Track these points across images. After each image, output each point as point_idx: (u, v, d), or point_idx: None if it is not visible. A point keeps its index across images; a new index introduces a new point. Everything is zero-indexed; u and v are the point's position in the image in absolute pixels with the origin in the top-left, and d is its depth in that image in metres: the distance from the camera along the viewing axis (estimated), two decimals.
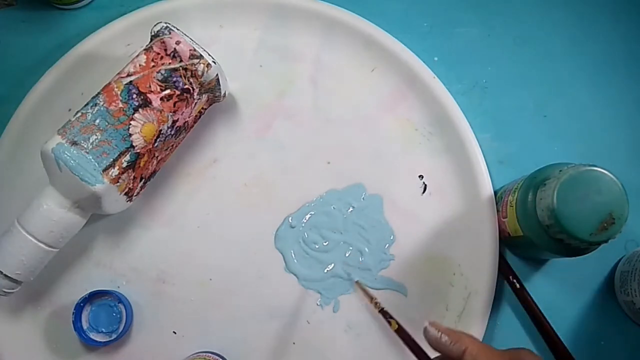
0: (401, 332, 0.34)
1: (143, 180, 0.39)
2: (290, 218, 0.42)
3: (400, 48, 0.43)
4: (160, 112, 0.36)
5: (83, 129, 0.35)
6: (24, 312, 0.40)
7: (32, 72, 0.42)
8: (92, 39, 0.42)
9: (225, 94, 0.41)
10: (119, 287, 0.40)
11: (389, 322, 0.36)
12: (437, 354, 0.30)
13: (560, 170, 0.34)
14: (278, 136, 0.43)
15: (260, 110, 0.43)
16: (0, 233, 0.36)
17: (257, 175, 0.42)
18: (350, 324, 0.40)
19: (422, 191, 0.42)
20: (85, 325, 0.39)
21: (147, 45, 0.37)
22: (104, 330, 0.39)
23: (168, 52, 0.37)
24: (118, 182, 0.35)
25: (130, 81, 0.36)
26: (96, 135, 0.35)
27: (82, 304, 0.38)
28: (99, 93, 0.36)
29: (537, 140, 0.44)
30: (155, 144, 0.37)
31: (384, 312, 0.37)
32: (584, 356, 0.40)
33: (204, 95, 0.39)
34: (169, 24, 0.37)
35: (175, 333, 0.40)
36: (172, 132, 0.38)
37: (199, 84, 0.38)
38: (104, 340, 0.38)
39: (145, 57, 0.37)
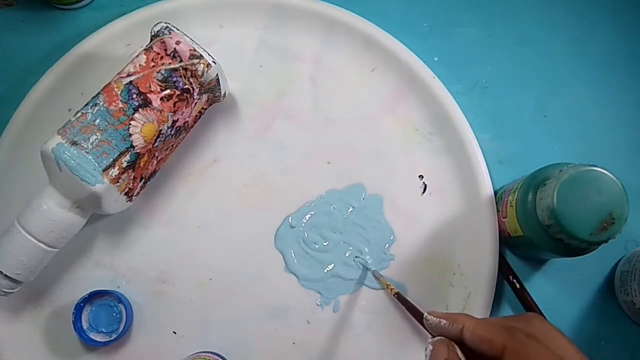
0: (416, 315, 0.34)
1: (143, 180, 0.39)
2: (290, 218, 0.42)
3: (400, 48, 0.43)
4: (160, 112, 0.36)
5: (83, 129, 0.35)
6: (24, 312, 0.40)
7: (32, 72, 0.42)
8: (92, 39, 0.42)
9: (225, 94, 0.41)
10: (119, 287, 0.40)
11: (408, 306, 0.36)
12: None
13: (560, 170, 0.34)
14: (278, 136, 0.43)
15: (260, 110, 0.43)
16: (0, 233, 0.36)
17: (257, 175, 0.42)
18: (350, 324, 0.40)
19: (422, 191, 0.42)
20: (85, 325, 0.39)
21: (147, 45, 0.37)
22: (104, 330, 0.39)
23: (168, 52, 0.37)
24: (118, 182, 0.35)
25: (130, 81, 0.36)
26: (96, 135, 0.35)
27: (82, 304, 0.38)
28: (99, 93, 0.36)
29: (537, 140, 0.44)
30: (155, 144, 0.37)
31: (399, 296, 0.37)
32: None
33: (204, 95, 0.39)
34: (169, 24, 0.37)
35: (175, 333, 0.40)
36: (172, 132, 0.38)
37: (199, 84, 0.38)
38: (104, 340, 0.38)
39: (145, 57, 0.37)
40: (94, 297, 0.39)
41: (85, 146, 0.34)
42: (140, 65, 0.36)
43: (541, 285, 0.42)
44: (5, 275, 0.35)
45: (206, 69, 0.37)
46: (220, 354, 0.39)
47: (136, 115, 0.36)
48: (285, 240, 0.41)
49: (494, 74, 0.45)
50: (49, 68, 0.42)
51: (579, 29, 0.46)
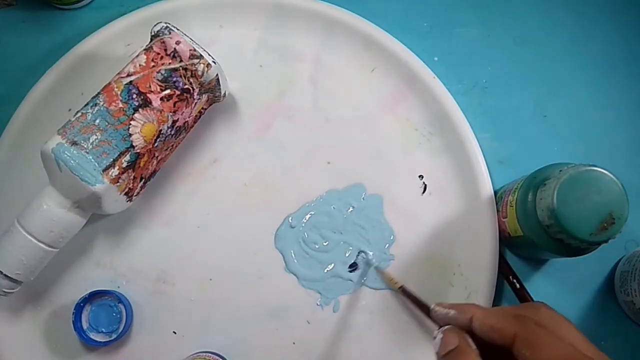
0: (422, 307, 0.34)
1: (143, 180, 0.39)
2: (290, 218, 0.42)
3: (400, 48, 0.43)
4: (160, 112, 0.36)
5: (83, 129, 0.35)
6: (24, 312, 0.40)
7: (32, 72, 0.42)
8: (92, 39, 0.42)
9: (225, 94, 0.41)
10: (119, 287, 0.40)
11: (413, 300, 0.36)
12: None
13: (560, 170, 0.34)
14: (278, 136, 0.43)
15: (260, 110, 0.43)
16: (0, 233, 0.36)
17: (257, 175, 0.42)
18: (350, 324, 0.40)
19: (422, 191, 0.42)
20: (85, 325, 0.39)
21: (147, 45, 0.37)
22: (104, 330, 0.39)
23: (168, 52, 0.37)
24: (118, 182, 0.35)
25: (130, 81, 0.36)
26: (96, 135, 0.35)
27: (82, 304, 0.38)
28: (99, 93, 0.36)
29: (537, 140, 0.44)
30: (155, 144, 0.37)
31: (404, 290, 0.37)
32: None
33: (204, 95, 0.39)
34: (169, 24, 0.37)
35: (175, 333, 0.40)
36: (172, 132, 0.38)
37: (199, 84, 0.38)
38: (104, 340, 0.38)
39: (145, 57, 0.37)
40: (94, 297, 0.39)
41: (85, 146, 0.34)
42: (140, 65, 0.36)
43: (541, 285, 0.42)
44: (5, 275, 0.35)
45: (206, 69, 0.37)
46: (220, 354, 0.39)
47: (136, 115, 0.36)
48: (285, 240, 0.41)
49: (494, 74, 0.45)
50: (49, 68, 0.42)
51: (579, 29, 0.46)
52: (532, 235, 0.36)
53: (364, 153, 0.43)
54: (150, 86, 0.36)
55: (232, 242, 0.41)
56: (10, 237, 0.35)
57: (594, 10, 0.46)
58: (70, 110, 0.42)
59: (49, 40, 0.44)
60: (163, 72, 0.36)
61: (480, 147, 0.42)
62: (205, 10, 0.43)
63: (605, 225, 0.33)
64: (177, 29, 0.37)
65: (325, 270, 0.41)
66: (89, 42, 0.42)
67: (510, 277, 0.41)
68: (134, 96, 0.36)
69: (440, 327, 0.29)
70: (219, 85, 0.39)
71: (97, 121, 0.35)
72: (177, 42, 0.37)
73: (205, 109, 0.41)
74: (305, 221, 0.42)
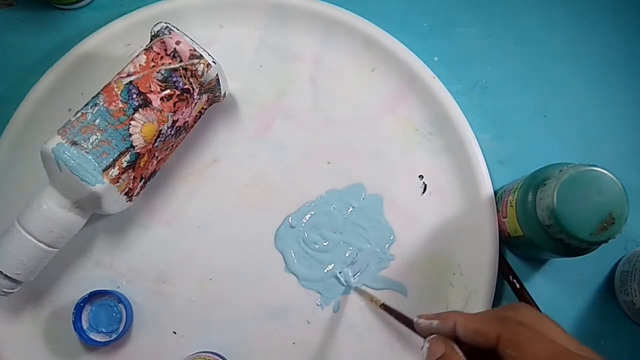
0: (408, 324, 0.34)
1: (143, 180, 0.39)
2: (290, 218, 0.42)
3: (400, 48, 0.43)
4: (160, 112, 0.36)
5: (83, 129, 0.35)
6: (24, 312, 0.40)
7: (32, 72, 0.42)
8: (92, 39, 0.42)
9: (225, 94, 0.41)
10: (119, 287, 0.40)
11: (395, 315, 0.36)
12: None
13: (560, 170, 0.34)
14: (278, 136, 0.43)
15: (260, 110, 0.43)
16: (0, 233, 0.36)
17: (257, 175, 0.42)
18: (350, 324, 0.40)
19: (422, 191, 0.42)
20: (85, 325, 0.39)
21: (147, 45, 0.37)
22: (104, 330, 0.39)
23: (168, 52, 0.37)
24: (118, 182, 0.35)
25: (130, 81, 0.36)
26: (96, 135, 0.35)
27: (82, 304, 0.38)
28: (99, 93, 0.36)
29: (537, 140, 0.44)
30: (155, 144, 0.37)
31: (385, 307, 0.37)
32: None
33: (204, 95, 0.39)
34: (169, 24, 0.37)
35: (175, 333, 0.40)
36: (172, 132, 0.38)
37: (199, 84, 0.38)
38: (104, 340, 0.38)
39: (145, 57, 0.37)
40: (94, 297, 0.39)
41: (85, 146, 0.34)
42: (140, 65, 0.36)
43: (541, 285, 0.42)
44: (5, 275, 0.35)
45: (206, 69, 0.37)
46: (220, 354, 0.39)
47: (136, 115, 0.36)
48: (285, 240, 0.41)
49: (494, 74, 0.45)
50: (49, 68, 0.42)
51: (579, 29, 0.46)
52: (532, 235, 0.36)
53: (364, 153, 0.43)
54: (150, 86, 0.36)
55: (232, 242, 0.41)
56: (10, 237, 0.35)
57: (594, 10, 0.46)
58: (70, 110, 0.42)
59: (49, 40, 0.44)
60: (163, 72, 0.36)
61: (480, 147, 0.42)
62: (205, 10, 0.43)
63: (605, 225, 0.33)
64: (177, 29, 0.37)
65: (325, 270, 0.41)
66: (89, 42, 0.42)
67: (510, 277, 0.41)
68: (134, 96, 0.36)
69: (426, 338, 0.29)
70: (219, 85, 0.39)
71: (97, 121, 0.35)
72: (177, 42, 0.37)
73: (205, 109, 0.41)
74: (305, 221, 0.42)
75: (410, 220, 0.42)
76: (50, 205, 0.35)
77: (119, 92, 0.36)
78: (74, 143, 0.34)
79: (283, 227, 0.41)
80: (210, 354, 0.38)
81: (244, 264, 0.41)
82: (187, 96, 0.37)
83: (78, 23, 0.45)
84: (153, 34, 0.37)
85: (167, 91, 0.36)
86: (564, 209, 0.33)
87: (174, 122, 0.38)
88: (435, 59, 0.45)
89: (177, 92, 0.37)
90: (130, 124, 0.35)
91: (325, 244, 0.41)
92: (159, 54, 0.37)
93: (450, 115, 0.42)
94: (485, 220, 0.41)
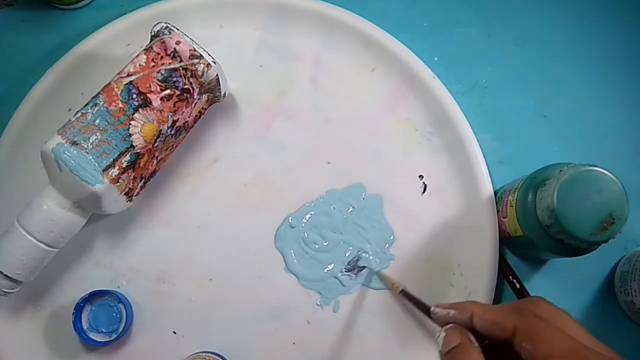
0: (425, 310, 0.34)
1: (143, 180, 0.39)
2: (290, 218, 0.42)
3: (400, 48, 0.43)
4: (160, 112, 0.36)
5: (83, 129, 0.35)
6: (24, 312, 0.40)
7: (32, 72, 0.42)
8: (92, 39, 0.42)
9: (225, 94, 0.41)
10: (119, 287, 0.40)
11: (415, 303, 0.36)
12: None
13: (560, 170, 0.34)
14: (278, 136, 0.43)
15: (260, 110, 0.43)
16: (0, 233, 0.36)
17: (257, 175, 0.42)
18: (350, 324, 0.40)
19: (422, 191, 0.42)
20: (85, 325, 0.39)
21: (147, 45, 0.37)
22: (104, 330, 0.39)
23: (168, 52, 0.37)
24: (118, 182, 0.35)
25: (130, 81, 0.36)
26: (96, 135, 0.35)
27: (82, 304, 0.38)
28: (99, 93, 0.36)
29: (537, 140, 0.44)
30: (155, 144, 0.37)
31: (405, 293, 0.37)
32: None
33: (204, 95, 0.39)
34: (169, 24, 0.37)
35: (175, 333, 0.40)
36: (172, 132, 0.38)
37: (199, 84, 0.38)
38: (104, 340, 0.38)
39: (145, 57, 0.37)
40: (94, 297, 0.39)
41: (85, 146, 0.34)
42: (140, 65, 0.36)
43: (541, 285, 0.42)
44: (5, 275, 0.35)
45: (206, 69, 0.37)
46: (220, 354, 0.39)
47: (136, 115, 0.36)
48: (285, 240, 0.41)
49: (494, 74, 0.45)
50: (49, 68, 0.42)
51: (579, 29, 0.46)
52: (532, 235, 0.36)
53: (364, 153, 0.43)
54: (150, 86, 0.36)
55: (232, 242, 0.41)
56: (10, 237, 0.35)
57: (594, 10, 0.46)
58: (70, 110, 0.42)
59: (49, 40, 0.44)
60: (163, 72, 0.36)
61: (480, 147, 0.42)
62: (205, 10, 0.43)
63: (605, 225, 0.33)
64: (177, 29, 0.37)
65: (325, 270, 0.41)
66: (89, 42, 0.42)
67: (510, 277, 0.41)
68: (134, 96, 0.36)
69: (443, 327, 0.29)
70: (219, 85, 0.39)
71: (97, 121, 0.35)
72: (177, 42, 0.37)
73: (205, 109, 0.41)
74: (305, 221, 0.42)
75: (410, 220, 0.42)
76: (50, 205, 0.35)
77: (119, 92, 0.36)
78: (74, 143, 0.34)
79: (283, 227, 0.41)
80: (210, 354, 0.38)
81: (244, 264, 0.41)
82: (187, 96, 0.37)
83: (78, 23, 0.45)
84: (153, 34, 0.37)
85: (167, 91, 0.36)
86: (564, 209, 0.33)
87: (174, 122, 0.38)
88: (435, 59, 0.45)
89: (177, 92, 0.37)
90: (130, 124, 0.35)
91: (325, 244, 0.41)
92: (159, 54, 0.37)
93: (450, 115, 0.42)
94: (485, 220, 0.41)
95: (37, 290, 0.40)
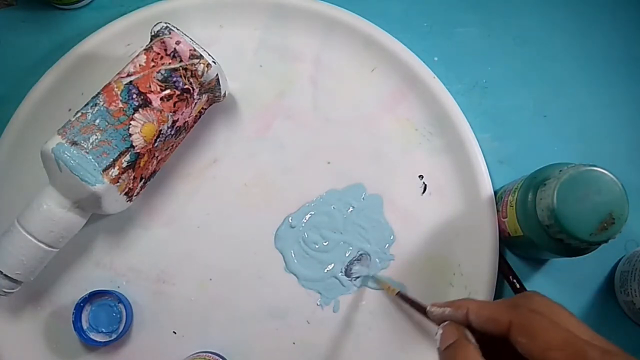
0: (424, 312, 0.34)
1: (143, 180, 0.39)
2: (290, 218, 0.42)
3: (400, 48, 0.43)
4: (160, 112, 0.36)
5: (83, 129, 0.35)
6: (24, 312, 0.40)
7: (32, 72, 0.42)
8: (92, 39, 0.42)
9: (225, 94, 0.41)
10: (119, 287, 0.40)
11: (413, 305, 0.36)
12: None
13: (560, 170, 0.34)
14: (278, 136, 0.43)
15: (260, 110, 0.43)
16: (0, 233, 0.36)
17: (257, 175, 0.42)
18: (350, 324, 0.40)
19: (422, 191, 0.42)
20: (85, 325, 0.39)
21: (147, 45, 0.37)
22: (104, 330, 0.39)
23: (168, 52, 0.37)
24: (118, 182, 0.35)
25: (130, 81, 0.36)
26: (96, 135, 0.35)
27: (82, 304, 0.38)
28: (99, 93, 0.36)
29: (537, 140, 0.44)
30: (155, 144, 0.37)
31: (401, 295, 0.37)
32: None
33: (204, 95, 0.39)
34: (169, 24, 0.37)
35: (175, 333, 0.40)
36: (172, 132, 0.38)
37: (199, 84, 0.38)
38: (104, 340, 0.38)
39: (145, 57, 0.37)
40: (94, 297, 0.39)
41: (85, 146, 0.34)
42: (140, 65, 0.36)
43: (541, 285, 0.42)
44: (5, 275, 0.35)
45: (206, 69, 0.37)
46: (220, 354, 0.39)
47: (136, 115, 0.36)
48: (285, 240, 0.41)
49: (494, 74, 0.45)
50: (49, 68, 0.42)
51: (579, 29, 0.46)
52: (532, 235, 0.36)
53: (364, 153, 0.43)
54: (150, 86, 0.36)
55: (232, 242, 0.41)
56: (10, 237, 0.35)
57: (594, 10, 0.46)
58: (70, 110, 0.42)
59: (49, 40, 0.44)
60: (163, 72, 0.36)
61: (480, 147, 0.42)
62: (205, 10, 0.43)
63: (605, 225, 0.33)
64: (177, 29, 0.37)
65: (325, 270, 0.41)
66: (89, 42, 0.42)
67: (510, 277, 0.41)
68: (134, 96, 0.36)
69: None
70: (219, 85, 0.39)
71: (97, 121, 0.35)
72: (177, 42, 0.37)
73: (205, 109, 0.41)
74: (305, 221, 0.42)
75: (410, 220, 0.42)
76: (50, 205, 0.35)
77: (119, 92, 0.36)
78: (74, 143, 0.34)
79: (283, 227, 0.41)
80: (210, 354, 0.38)
81: (244, 264, 0.41)
82: (187, 96, 0.37)
83: (78, 23, 0.45)
84: (153, 34, 0.37)
85: (167, 91, 0.36)
86: (564, 209, 0.33)
87: (174, 122, 0.38)
88: (435, 59, 0.45)
89: (177, 92, 0.37)
90: (130, 124, 0.35)
91: (325, 244, 0.41)
92: (159, 54, 0.37)
93: (450, 115, 0.42)
94: (485, 220, 0.41)
95: (37, 290, 0.40)
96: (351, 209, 0.42)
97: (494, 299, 0.40)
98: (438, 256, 0.41)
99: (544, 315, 0.26)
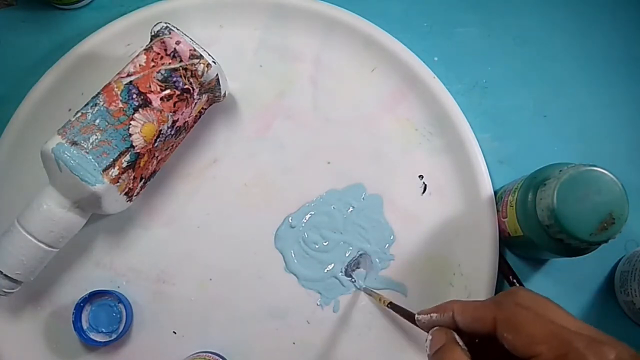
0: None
1: (143, 180, 0.39)
2: (290, 218, 0.42)
3: (400, 48, 0.43)
4: (160, 112, 0.36)
5: (83, 129, 0.35)
6: (24, 312, 0.40)
7: (32, 72, 0.42)
8: (92, 39, 0.42)
9: (225, 94, 0.41)
10: (119, 287, 0.40)
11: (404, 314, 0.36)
12: None
13: (560, 170, 0.34)
14: (278, 136, 0.43)
15: (260, 110, 0.43)
16: (0, 233, 0.36)
17: (257, 175, 0.42)
18: (350, 324, 0.40)
19: (422, 191, 0.42)
20: (85, 325, 0.39)
21: (147, 45, 0.37)
22: (104, 330, 0.39)
23: (168, 52, 0.37)
24: (118, 182, 0.35)
25: (130, 81, 0.36)
26: (96, 135, 0.35)
27: (82, 304, 0.38)
28: (99, 93, 0.36)
29: (537, 140, 0.44)
30: (155, 144, 0.37)
31: (392, 305, 0.37)
32: None
33: (204, 95, 0.39)
34: (169, 24, 0.37)
35: (175, 333, 0.40)
36: (172, 132, 0.38)
37: (199, 84, 0.38)
38: (104, 340, 0.38)
39: (145, 57, 0.37)
40: (94, 297, 0.39)
41: (85, 146, 0.34)
42: (140, 65, 0.36)
43: (541, 285, 0.42)
44: (5, 275, 0.35)
45: (206, 69, 0.37)
46: (220, 354, 0.39)
47: (136, 115, 0.36)
48: (285, 240, 0.41)
49: (494, 74, 0.45)
50: (49, 68, 0.42)
51: (579, 29, 0.46)
52: (532, 235, 0.36)
53: (364, 153, 0.43)
54: (150, 86, 0.36)
55: (232, 242, 0.41)
56: (10, 237, 0.35)
57: (594, 10, 0.46)
58: (70, 110, 0.42)
59: (49, 40, 0.44)
60: (163, 72, 0.36)
61: (480, 147, 0.42)
62: (205, 10, 0.43)
63: (605, 225, 0.33)
64: (177, 29, 0.37)
65: (325, 270, 0.41)
66: (89, 42, 0.42)
67: (510, 277, 0.41)
68: (134, 96, 0.36)
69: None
70: (219, 85, 0.39)
71: (97, 121, 0.35)
72: (177, 42, 0.37)
73: (205, 109, 0.41)
74: (305, 221, 0.42)
75: (410, 220, 0.42)
76: (50, 205, 0.35)
77: (119, 92, 0.36)
78: (74, 143, 0.34)
79: (283, 227, 0.41)
80: (210, 354, 0.38)
81: (244, 264, 0.41)
82: (187, 96, 0.37)
83: (78, 23, 0.45)
84: (153, 34, 0.37)
85: (167, 91, 0.36)
86: (564, 209, 0.33)
87: (174, 122, 0.38)
88: (435, 59, 0.45)
89: (177, 92, 0.37)
90: (130, 124, 0.35)
91: (325, 244, 0.41)
92: (159, 54, 0.37)
93: (450, 115, 0.42)
94: (485, 220, 0.41)
95: (37, 290, 0.40)
96: (351, 209, 0.42)
97: None
98: (438, 256, 0.41)
99: (529, 309, 0.26)
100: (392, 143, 0.43)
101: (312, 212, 0.42)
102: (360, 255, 0.41)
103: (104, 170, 0.34)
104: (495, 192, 0.42)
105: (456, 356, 0.26)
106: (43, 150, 0.35)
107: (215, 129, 0.43)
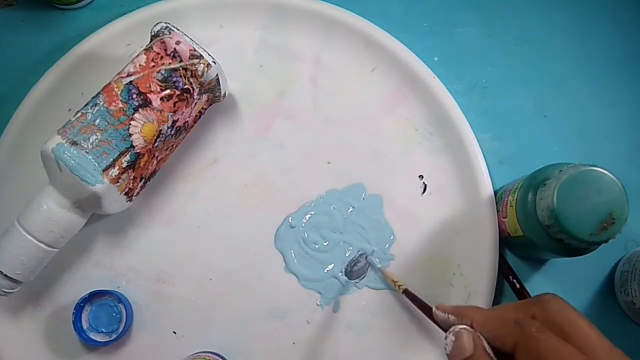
0: (426, 311, 0.33)
1: (143, 180, 0.39)
2: (290, 218, 0.42)
3: (400, 48, 0.43)
4: (160, 112, 0.36)
5: (83, 129, 0.35)
6: (24, 312, 0.40)
7: (32, 72, 0.42)
8: (92, 39, 0.42)
9: (225, 94, 0.41)
10: (119, 287, 0.40)
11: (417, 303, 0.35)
12: None
13: (560, 170, 0.34)
14: (278, 136, 0.43)
15: (260, 110, 0.43)
16: (0, 233, 0.36)
17: (257, 175, 0.42)
18: (350, 324, 0.40)
19: (422, 191, 0.42)
20: (85, 325, 0.39)
21: (147, 45, 0.37)
22: (104, 330, 0.39)
23: (168, 52, 0.37)
24: (118, 182, 0.35)
25: (130, 81, 0.36)
26: (96, 135, 0.35)
27: (82, 304, 0.38)
28: (99, 93, 0.36)
29: (537, 140, 0.44)
30: (155, 144, 0.37)
31: (407, 293, 0.37)
32: None
33: (204, 95, 0.39)
34: (169, 24, 0.37)
35: (175, 333, 0.40)
36: (172, 132, 0.38)
37: (199, 84, 0.38)
38: (104, 340, 0.38)
39: (145, 57, 0.37)
40: (94, 297, 0.39)
41: (85, 146, 0.34)
42: (140, 65, 0.36)
43: (541, 285, 0.42)
44: (5, 275, 0.35)
45: (206, 69, 0.37)
46: (220, 354, 0.39)
47: (136, 115, 0.36)
48: (285, 240, 0.41)
49: (494, 74, 0.45)
50: (49, 68, 0.42)
51: (579, 29, 0.46)
52: (532, 235, 0.36)
53: (364, 153, 0.43)
54: (150, 86, 0.36)
55: (232, 242, 0.41)
56: (10, 237, 0.35)
57: (594, 10, 0.46)
58: (70, 110, 0.42)
59: (49, 40, 0.44)
60: (163, 72, 0.36)
61: (480, 147, 0.42)
62: (205, 10, 0.43)
63: (605, 225, 0.33)
64: (177, 29, 0.37)
65: (325, 270, 0.41)
66: (89, 42, 0.42)
67: (510, 277, 0.41)
68: (134, 96, 0.36)
69: (444, 330, 0.28)
70: (219, 85, 0.39)
71: (97, 121, 0.35)
72: (177, 42, 0.37)
73: (205, 109, 0.41)
74: (305, 221, 0.42)
75: (410, 220, 0.42)
76: (50, 205, 0.35)
77: (119, 92, 0.36)
78: (74, 143, 0.34)
79: (283, 227, 0.41)
80: (210, 354, 0.38)
81: (244, 264, 0.41)
82: (187, 96, 0.37)
83: (78, 23, 0.45)
84: (153, 34, 0.37)
85: (167, 91, 0.36)
86: (564, 209, 0.33)
87: (174, 122, 0.38)
88: (435, 59, 0.45)
89: (177, 92, 0.37)
90: (130, 124, 0.35)
91: (325, 244, 0.41)
92: (159, 54, 0.37)
93: (450, 115, 0.42)
94: (485, 220, 0.41)
95: (37, 290, 0.40)
96: (351, 209, 0.42)
97: (494, 299, 0.40)
98: (438, 256, 0.41)
99: (550, 338, 0.24)
100: (392, 143, 0.43)
101: (312, 212, 0.42)
102: (361, 255, 0.41)
103: (104, 170, 0.34)
104: (495, 192, 0.42)
105: None
106: (43, 150, 0.35)
107: (215, 129, 0.43)
